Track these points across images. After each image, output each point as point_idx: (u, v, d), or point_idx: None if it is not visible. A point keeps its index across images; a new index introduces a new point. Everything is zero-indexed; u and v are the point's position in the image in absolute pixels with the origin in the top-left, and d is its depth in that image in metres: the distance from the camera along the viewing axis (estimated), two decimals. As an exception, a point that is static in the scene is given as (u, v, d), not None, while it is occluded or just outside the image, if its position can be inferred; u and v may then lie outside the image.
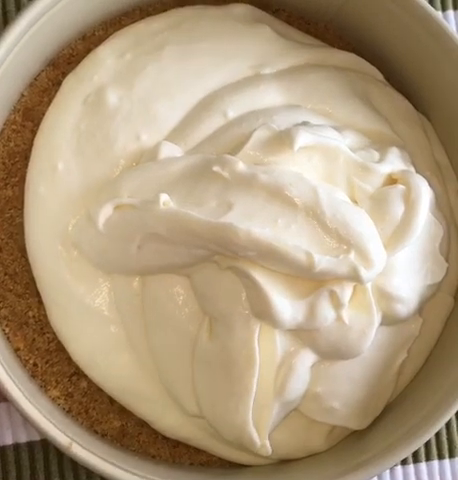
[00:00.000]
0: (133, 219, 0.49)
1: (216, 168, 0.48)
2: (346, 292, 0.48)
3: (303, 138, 0.48)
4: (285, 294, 0.48)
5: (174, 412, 0.52)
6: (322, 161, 0.50)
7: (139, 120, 0.52)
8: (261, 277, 0.48)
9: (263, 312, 0.48)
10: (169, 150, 0.51)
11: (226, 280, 0.49)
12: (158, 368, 0.51)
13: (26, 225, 0.52)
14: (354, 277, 0.47)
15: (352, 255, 0.47)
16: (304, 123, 0.51)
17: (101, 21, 0.55)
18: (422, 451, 0.60)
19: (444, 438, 0.60)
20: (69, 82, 0.53)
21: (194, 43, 0.53)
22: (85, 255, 0.51)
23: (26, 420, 0.48)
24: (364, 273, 0.47)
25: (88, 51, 0.54)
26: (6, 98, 0.52)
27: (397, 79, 0.57)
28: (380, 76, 0.56)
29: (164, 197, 0.48)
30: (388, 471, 0.60)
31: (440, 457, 0.60)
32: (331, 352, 0.50)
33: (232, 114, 0.52)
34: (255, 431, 0.49)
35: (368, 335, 0.49)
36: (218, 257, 0.49)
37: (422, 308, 0.53)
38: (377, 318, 0.49)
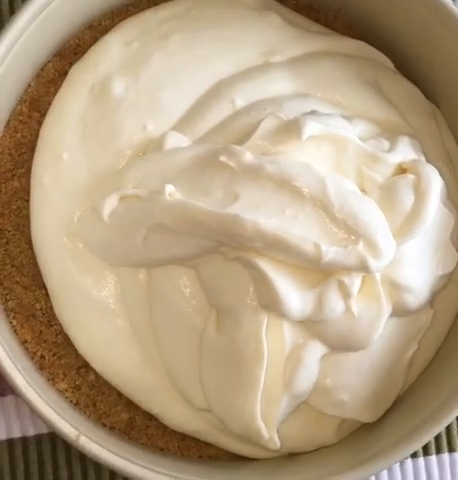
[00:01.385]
0: (138, 210, 0.49)
1: (223, 158, 0.48)
2: (355, 283, 0.48)
3: (311, 127, 0.48)
4: (293, 285, 0.48)
5: (181, 406, 0.52)
6: (331, 151, 0.49)
7: (145, 109, 0.51)
8: (269, 268, 0.47)
9: (271, 303, 0.47)
10: (175, 140, 0.50)
11: (233, 272, 0.49)
12: (165, 361, 0.51)
13: (31, 216, 0.52)
14: (362, 267, 0.47)
15: (360, 245, 0.47)
16: (313, 112, 0.50)
17: (108, 11, 0.54)
18: (432, 443, 0.60)
19: (455, 431, 0.60)
20: (75, 72, 0.53)
21: (201, 31, 0.52)
22: (90, 247, 0.51)
23: (34, 413, 0.48)
24: (372, 263, 0.47)
25: (95, 41, 0.53)
26: (13, 89, 0.52)
27: (407, 67, 0.56)
28: (390, 64, 0.56)
29: (170, 188, 0.48)
30: (398, 464, 0.59)
31: (450, 450, 0.60)
32: (340, 344, 0.49)
33: (240, 102, 0.51)
34: (263, 424, 0.49)
35: (377, 326, 0.49)
36: (225, 248, 0.48)
37: (433, 299, 0.52)
38: (387, 309, 0.49)
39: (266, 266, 0.47)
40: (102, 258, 0.51)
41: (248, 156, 0.48)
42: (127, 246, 0.50)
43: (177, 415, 0.52)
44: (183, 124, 0.51)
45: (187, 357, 0.50)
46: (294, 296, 0.47)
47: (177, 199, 0.47)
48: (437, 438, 0.60)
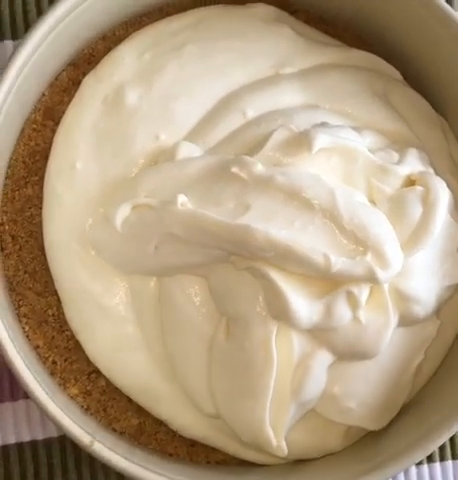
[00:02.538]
0: (150, 219, 0.49)
1: (234, 169, 0.48)
2: (363, 293, 0.48)
3: (321, 140, 0.49)
4: (303, 294, 0.48)
5: (190, 412, 0.52)
6: (341, 162, 0.50)
7: (158, 119, 0.52)
8: (279, 278, 0.48)
9: (281, 312, 0.48)
10: (187, 150, 0.51)
11: (243, 281, 0.49)
12: (175, 368, 0.51)
13: (44, 224, 0.53)
14: (370, 278, 0.48)
15: (369, 256, 0.47)
16: (323, 124, 0.51)
17: (122, 21, 0.55)
18: (436, 451, 0.60)
19: (458, 439, 0.61)
20: (89, 81, 0.53)
21: (214, 42, 0.53)
22: (102, 255, 0.51)
23: (48, 418, 0.48)
24: (380, 274, 0.47)
25: (108, 51, 0.54)
26: (27, 97, 0.52)
27: (415, 79, 0.57)
28: (399, 76, 0.57)
29: (182, 198, 0.48)
30: (402, 472, 0.60)
31: (454, 457, 0.60)
32: (348, 352, 0.50)
33: (251, 113, 0.52)
34: (272, 431, 0.50)
35: (384, 336, 0.49)
36: (235, 258, 0.49)
37: (440, 309, 0.53)
38: (394, 319, 0.50)
39: (276, 276, 0.48)
40: (114, 266, 0.51)
41: (259, 167, 0.48)
42: (139, 255, 0.50)
43: (186, 421, 0.53)
44: (195, 134, 0.52)
45: (197, 364, 0.51)
46: (303, 305, 0.48)
47: (188, 209, 0.48)
48: (441, 446, 0.60)
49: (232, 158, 0.49)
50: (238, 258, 0.49)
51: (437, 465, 0.60)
